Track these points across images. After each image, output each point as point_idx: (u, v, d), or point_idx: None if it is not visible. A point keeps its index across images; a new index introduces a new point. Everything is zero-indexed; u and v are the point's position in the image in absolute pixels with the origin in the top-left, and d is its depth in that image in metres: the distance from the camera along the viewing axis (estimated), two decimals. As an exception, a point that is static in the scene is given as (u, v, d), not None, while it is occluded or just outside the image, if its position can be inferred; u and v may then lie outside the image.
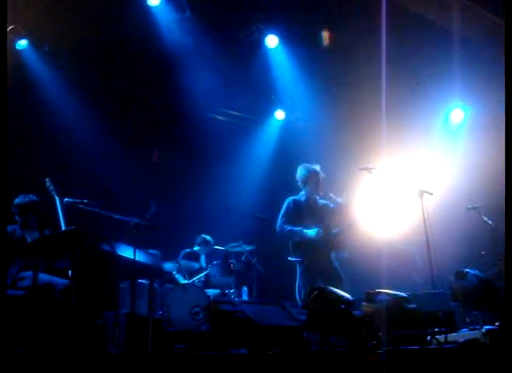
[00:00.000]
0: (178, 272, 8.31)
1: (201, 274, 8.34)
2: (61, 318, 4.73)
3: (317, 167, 6.93)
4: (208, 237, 8.71)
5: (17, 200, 5.98)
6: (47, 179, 6.05)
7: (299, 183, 6.94)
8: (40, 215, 6.01)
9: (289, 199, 6.94)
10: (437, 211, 6.84)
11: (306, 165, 6.96)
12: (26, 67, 8.15)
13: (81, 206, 5.63)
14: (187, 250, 8.69)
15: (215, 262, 8.35)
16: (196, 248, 8.70)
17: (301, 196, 6.97)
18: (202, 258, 8.80)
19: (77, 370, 3.22)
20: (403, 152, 7.65)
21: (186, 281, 8.13)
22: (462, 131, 9.16)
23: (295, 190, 7.06)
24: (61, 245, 4.69)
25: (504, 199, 3.98)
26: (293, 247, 6.78)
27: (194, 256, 8.72)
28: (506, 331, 3.53)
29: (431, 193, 6.53)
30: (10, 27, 7.85)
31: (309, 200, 6.92)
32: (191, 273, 8.41)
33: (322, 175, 6.90)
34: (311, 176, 6.87)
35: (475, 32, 8.76)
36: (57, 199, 5.84)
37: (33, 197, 6.03)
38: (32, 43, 8.11)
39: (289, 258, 6.77)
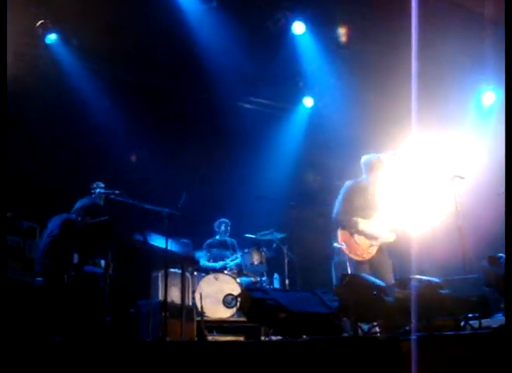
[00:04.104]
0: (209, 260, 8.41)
1: (233, 263, 8.40)
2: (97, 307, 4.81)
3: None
4: (222, 219, 8.80)
5: None
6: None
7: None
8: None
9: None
10: (469, 196, 6.76)
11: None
12: (56, 60, 8.25)
13: (113, 197, 5.70)
14: (209, 240, 8.76)
15: (246, 250, 8.38)
16: (217, 236, 8.79)
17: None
18: (229, 242, 8.86)
19: (112, 357, 3.27)
20: (434, 136, 7.56)
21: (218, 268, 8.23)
22: (494, 114, 9.02)
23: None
24: (94, 236, 4.75)
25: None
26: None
27: (221, 244, 8.79)
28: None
29: (463, 178, 6.46)
30: (40, 22, 7.96)
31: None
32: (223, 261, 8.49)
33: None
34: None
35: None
36: None
37: None
38: (61, 37, 8.21)
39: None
